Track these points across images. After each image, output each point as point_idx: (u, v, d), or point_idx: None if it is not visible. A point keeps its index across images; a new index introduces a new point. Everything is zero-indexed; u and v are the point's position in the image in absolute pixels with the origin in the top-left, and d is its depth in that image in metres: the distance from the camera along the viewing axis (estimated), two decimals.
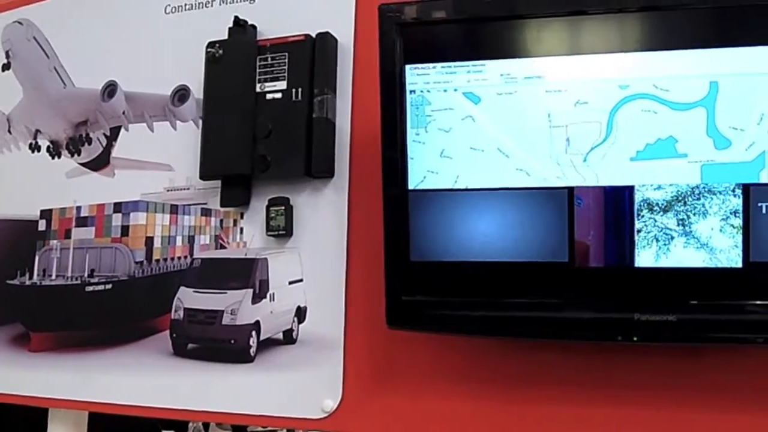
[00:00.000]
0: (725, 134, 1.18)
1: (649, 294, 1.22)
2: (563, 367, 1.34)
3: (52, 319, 1.77)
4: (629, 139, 1.22)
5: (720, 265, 1.19)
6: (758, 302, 1.18)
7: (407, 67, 1.31)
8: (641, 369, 1.30)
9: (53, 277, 1.78)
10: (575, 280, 1.25)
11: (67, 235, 1.78)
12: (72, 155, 1.82)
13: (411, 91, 1.31)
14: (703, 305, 1.19)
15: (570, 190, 1.25)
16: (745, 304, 1.18)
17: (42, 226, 1.82)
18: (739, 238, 1.18)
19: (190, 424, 3.58)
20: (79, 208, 1.78)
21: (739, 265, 1.18)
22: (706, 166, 1.19)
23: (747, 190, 1.18)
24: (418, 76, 1.31)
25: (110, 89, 1.78)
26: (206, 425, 3.71)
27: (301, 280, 1.55)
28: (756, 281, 1.18)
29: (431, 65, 1.30)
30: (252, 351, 1.56)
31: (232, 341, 1.57)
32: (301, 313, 1.54)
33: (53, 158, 1.85)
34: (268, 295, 1.57)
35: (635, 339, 1.22)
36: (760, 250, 1.18)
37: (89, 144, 1.80)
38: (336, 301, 1.51)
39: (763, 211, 1.17)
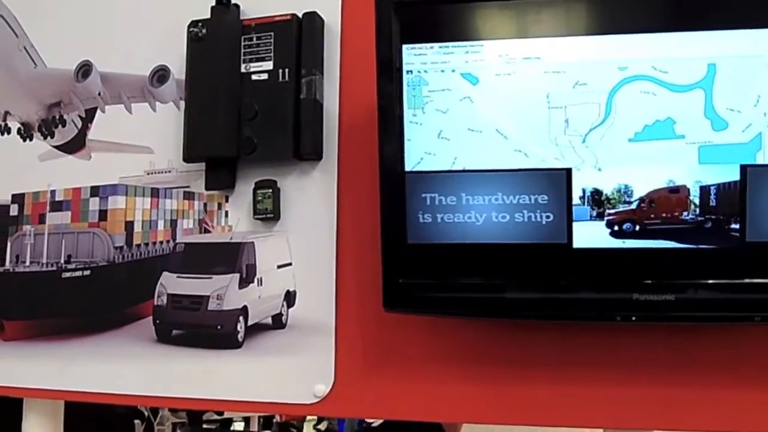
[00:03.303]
0: (723, 116, 1.20)
1: (648, 274, 1.23)
2: (561, 347, 1.35)
3: (26, 306, 1.72)
4: (628, 120, 1.23)
5: (718, 245, 1.21)
6: (754, 281, 1.20)
7: (404, 47, 1.29)
8: (639, 348, 1.31)
9: (27, 263, 1.72)
10: (574, 261, 1.26)
11: (41, 220, 1.73)
12: (45, 137, 1.76)
13: (408, 72, 1.30)
14: (700, 285, 1.21)
15: (568, 171, 1.25)
16: (742, 283, 1.20)
17: (14, 210, 1.75)
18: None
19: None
20: (53, 192, 1.72)
21: (737, 245, 1.20)
22: (704, 147, 1.21)
23: (744, 171, 1.19)
24: (415, 56, 1.29)
25: (84, 69, 1.72)
26: (155, 411, 3.67)
27: (290, 264, 1.53)
28: (752, 261, 1.20)
29: (428, 45, 1.29)
30: (240, 336, 1.53)
31: (219, 327, 1.54)
32: (290, 298, 1.52)
33: (24, 141, 1.78)
34: (255, 280, 1.54)
35: (634, 318, 1.23)
36: (757, 231, 1.19)
37: (63, 126, 1.75)
38: (326, 284, 1.49)
39: (760, 192, 1.19)
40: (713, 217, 1.21)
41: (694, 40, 1.20)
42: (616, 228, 1.24)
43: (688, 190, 1.21)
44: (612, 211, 1.24)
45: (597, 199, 1.23)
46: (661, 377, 1.30)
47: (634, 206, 1.24)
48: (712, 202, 1.21)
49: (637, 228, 1.24)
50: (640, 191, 1.23)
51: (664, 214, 1.23)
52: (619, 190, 1.23)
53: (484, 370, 1.40)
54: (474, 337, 1.41)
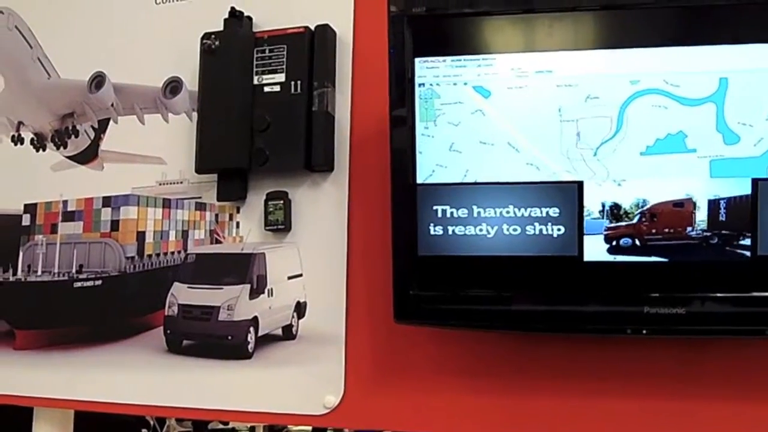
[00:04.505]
0: (734, 130, 1.20)
1: (659, 287, 1.22)
2: (571, 360, 1.35)
3: (38, 316, 1.73)
4: (639, 134, 1.23)
5: (729, 259, 1.21)
6: (765, 295, 1.19)
7: (417, 60, 1.30)
8: (648, 361, 1.31)
9: (39, 272, 1.73)
10: (585, 274, 1.26)
11: (53, 229, 1.74)
12: (58, 148, 1.78)
13: (420, 84, 1.30)
14: (711, 298, 1.21)
15: (580, 184, 1.25)
16: (753, 296, 1.20)
17: (26, 220, 1.77)
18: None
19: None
20: (65, 202, 1.74)
21: (748, 258, 1.20)
22: (715, 161, 1.21)
23: (756, 184, 1.19)
24: (428, 69, 1.30)
25: (98, 80, 1.74)
26: (161, 420, 3.68)
27: (300, 275, 1.53)
28: (764, 274, 1.20)
29: (441, 59, 1.29)
30: (250, 347, 1.54)
31: (229, 337, 1.55)
32: (300, 309, 1.53)
33: (37, 151, 1.80)
34: (266, 291, 1.55)
35: (644, 332, 1.23)
36: None
37: (76, 136, 1.76)
38: (336, 296, 1.50)
39: None
40: (720, 232, 1.20)
41: (706, 54, 1.20)
42: (613, 243, 1.24)
43: (694, 203, 1.21)
44: (610, 225, 1.24)
45: (616, 213, 1.23)
46: (670, 390, 1.30)
47: (634, 221, 1.24)
48: (722, 217, 1.21)
49: (637, 243, 1.24)
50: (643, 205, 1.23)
51: (666, 230, 1.22)
52: (637, 204, 1.23)
53: (494, 382, 1.40)
54: (484, 349, 1.41)
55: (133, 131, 1.71)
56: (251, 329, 1.54)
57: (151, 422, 3.62)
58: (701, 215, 1.21)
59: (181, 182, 1.65)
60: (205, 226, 1.62)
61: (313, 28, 1.55)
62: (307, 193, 1.55)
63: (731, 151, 1.20)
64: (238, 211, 1.60)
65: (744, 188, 1.19)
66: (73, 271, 1.70)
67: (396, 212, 1.33)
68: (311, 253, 1.53)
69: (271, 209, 1.54)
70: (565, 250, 1.26)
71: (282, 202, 1.54)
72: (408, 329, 1.40)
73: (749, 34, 1.19)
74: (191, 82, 1.64)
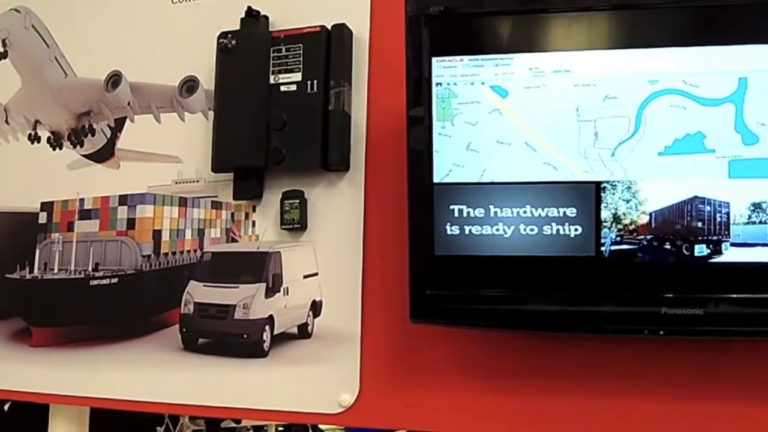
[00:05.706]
0: (753, 130, 1.19)
1: (676, 288, 1.22)
2: (585, 360, 1.35)
3: (54, 313, 1.74)
4: (658, 134, 1.22)
5: (746, 260, 1.20)
6: None
7: (434, 59, 1.30)
8: (663, 362, 1.31)
9: (55, 270, 1.74)
10: (602, 275, 1.26)
11: (70, 227, 1.75)
12: (74, 146, 1.78)
13: (437, 84, 1.30)
14: (729, 299, 1.20)
15: (597, 184, 1.25)
16: None
17: (43, 218, 1.78)
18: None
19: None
20: (82, 201, 1.74)
21: (766, 259, 1.19)
22: (734, 161, 1.20)
23: None
24: (445, 69, 1.30)
25: (114, 79, 1.74)
26: (174, 418, 3.70)
27: (316, 274, 1.54)
28: None
29: (458, 58, 1.29)
30: (265, 346, 1.54)
31: (245, 336, 1.55)
32: (316, 308, 1.53)
33: (54, 149, 1.81)
34: (281, 289, 1.55)
35: (662, 333, 1.23)
36: None
37: (92, 135, 1.77)
38: (352, 295, 1.50)
39: None
40: (734, 233, 1.19)
41: (725, 54, 1.20)
42: (622, 245, 1.24)
43: (705, 203, 1.21)
44: (615, 227, 1.24)
45: None
46: (686, 392, 1.29)
47: (642, 222, 1.23)
48: (736, 218, 1.20)
49: (644, 244, 1.23)
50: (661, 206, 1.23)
51: (676, 230, 1.22)
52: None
53: (510, 382, 1.40)
54: (501, 349, 1.41)
55: (149, 130, 1.71)
56: (267, 328, 1.54)
57: (165, 419, 3.64)
58: (715, 216, 1.21)
59: (198, 181, 1.65)
60: (221, 224, 1.62)
61: (329, 27, 1.55)
62: (323, 192, 1.55)
63: (750, 151, 1.19)
64: (254, 210, 1.60)
65: (763, 189, 1.19)
66: (90, 269, 1.71)
67: (413, 212, 1.33)
68: (327, 252, 1.54)
69: (287, 208, 1.55)
70: (582, 250, 1.26)
71: (298, 201, 1.54)
72: (424, 328, 1.40)
73: None
74: (207, 81, 1.65)
